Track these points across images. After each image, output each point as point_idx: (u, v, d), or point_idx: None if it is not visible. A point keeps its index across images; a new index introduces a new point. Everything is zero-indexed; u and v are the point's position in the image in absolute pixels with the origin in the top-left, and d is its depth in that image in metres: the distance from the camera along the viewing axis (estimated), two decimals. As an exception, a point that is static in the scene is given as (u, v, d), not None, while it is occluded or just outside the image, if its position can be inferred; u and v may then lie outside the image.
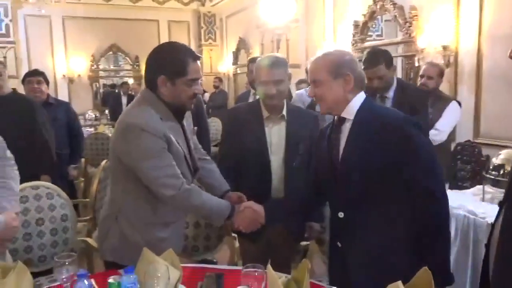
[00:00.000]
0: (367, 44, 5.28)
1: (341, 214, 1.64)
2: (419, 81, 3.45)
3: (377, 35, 5.63)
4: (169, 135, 1.69)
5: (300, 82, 5.27)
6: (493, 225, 1.34)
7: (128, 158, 1.68)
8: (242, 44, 8.89)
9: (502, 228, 1.24)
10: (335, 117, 1.69)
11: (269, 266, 1.37)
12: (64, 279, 1.43)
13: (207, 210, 1.78)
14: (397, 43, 4.96)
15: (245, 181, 2.08)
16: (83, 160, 4.44)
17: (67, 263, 1.44)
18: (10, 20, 8.81)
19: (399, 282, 1.21)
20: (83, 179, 4.45)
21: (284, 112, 2.12)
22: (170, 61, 1.68)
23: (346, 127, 1.63)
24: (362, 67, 2.62)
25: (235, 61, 9.31)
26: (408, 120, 1.59)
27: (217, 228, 2.43)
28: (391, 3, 4.85)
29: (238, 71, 9.22)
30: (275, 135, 2.11)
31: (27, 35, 9.18)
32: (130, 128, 1.65)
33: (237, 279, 1.41)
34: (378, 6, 5.06)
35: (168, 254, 1.55)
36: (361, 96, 1.64)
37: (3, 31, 8.66)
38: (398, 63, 5.06)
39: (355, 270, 1.61)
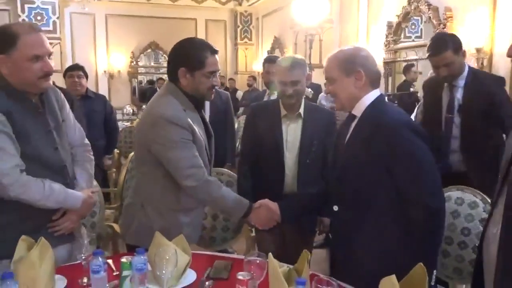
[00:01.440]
0: (399, 45, 5.23)
1: (335, 208, 1.68)
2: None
3: (416, 37, 5.55)
4: (193, 126, 1.80)
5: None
6: (485, 227, 1.35)
7: (156, 148, 1.79)
8: (277, 44, 8.96)
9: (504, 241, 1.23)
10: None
11: (270, 255, 1.43)
12: (83, 257, 1.55)
13: (225, 204, 1.88)
14: (430, 45, 4.87)
15: (259, 176, 2.16)
16: (117, 151, 4.65)
17: (86, 243, 1.56)
18: (57, 18, 9.27)
19: (393, 276, 1.25)
20: (115, 170, 4.65)
21: (301, 111, 2.18)
22: (190, 55, 1.79)
23: (354, 124, 1.66)
24: (427, 54, 2.54)
25: (270, 61, 9.38)
26: (408, 125, 1.57)
27: (237, 221, 2.51)
28: (425, 4, 4.78)
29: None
30: (292, 132, 2.18)
31: (72, 31, 9.64)
32: (158, 120, 1.76)
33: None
34: (412, 7, 5.00)
35: (179, 239, 1.65)
36: (373, 94, 1.63)
37: (50, 28, 9.12)
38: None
39: (339, 265, 1.67)
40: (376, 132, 1.55)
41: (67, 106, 1.90)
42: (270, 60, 3.66)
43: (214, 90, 1.88)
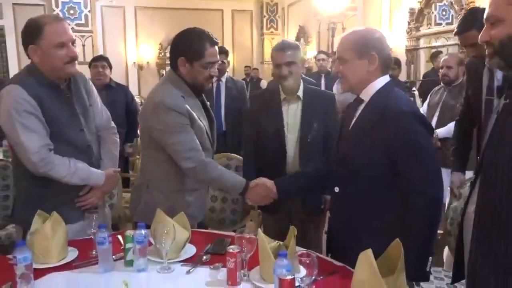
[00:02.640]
0: (421, 32, 5.15)
1: (336, 189, 1.71)
2: (440, 73, 3.37)
3: (447, 23, 5.44)
4: (191, 112, 1.91)
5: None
6: (465, 206, 1.40)
7: (156, 133, 1.93)
8: (302, 33, 8.95)
9: (477, 213, 1.29)
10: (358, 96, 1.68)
11: (259, 230, 1.53)
12: (93, 230, 1.69)
13: (223, 183, 2.00)
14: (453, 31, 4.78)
15: (262, 158, 2.26)
16: (139, 139, 4.84)
17: (95, 218, 1.71)
18: (89, 11, 9.60)
19: (369, 250, 1.32)
20: (138, 157, 4.85)
21: (300, 93, 2.26)
22: (189, 45, 1.90)
23: (361, 108, 1.65)
24: (455, 31, 2.39)
25: (295, 50, 9.38)
26: (414, 113, 1.56)
27: (243, 203, 2.62)
28: (448, -11, 4.70)
29: (298, 60, 9.29)
30: (292, 114, 2.27)
31: (103, 24, 9.96)
32: (158, 106, 1.89)
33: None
34: (434, -7, 4.92)
35: (180, 217, 1.77)
36: (383, 80, 1.62)
37: (82, 21, 9.47)
38: (455, 51, 4.89)
39: (336, 245, 1.74)
40: (382, 118, 1.54)
41: (95, 92, 2.08)
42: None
43: (212, 79, 1.98)
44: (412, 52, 5.40)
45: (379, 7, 6.09)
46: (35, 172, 1.77)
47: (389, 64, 1.66)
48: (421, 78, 5.27)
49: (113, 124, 2.17)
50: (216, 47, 1.93)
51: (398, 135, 1.51)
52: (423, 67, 5.54)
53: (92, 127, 2.01)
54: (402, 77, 5.12)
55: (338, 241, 1.75)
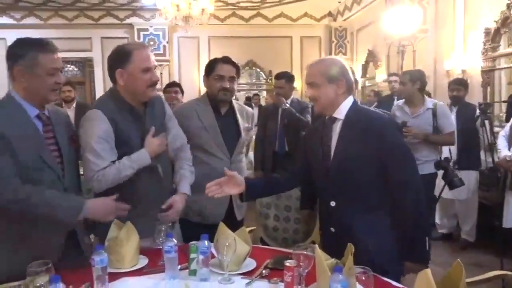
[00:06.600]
0: (499, 52, 4.90)
1: (332, 203, 1.87)
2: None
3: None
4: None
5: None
6: None
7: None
8: (371, 57, 8.87)
9: None
10: (327, 117, 1.92)
11: (316, 246, 1.56)
12: (161, 241, 1.82)
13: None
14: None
15: None
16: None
17: (163, 229, 1.83)
18: (167, 42, 10.32)
19: (428, 270, 1.30)
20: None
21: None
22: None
23: (337, 126, 1.88)
24: None
25: (364, 74, 9.31)
26: (392, 122, 1.87)
27: (304, 224, 2.65)
28: (526, 7, 4.45)
29: (367, 84, 9.20)
30: None
31: (179, 54, 10.62)
32: None
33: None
34: (511, 12, 4.68)
35: (241, 231, 1.85)
36: (350, 100, 1.89)
37: (161, 51, 10.18)
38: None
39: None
40: (366, 130, 1.80)
41: (172, 115, 2.23)
42: (278, 76, 4.20)
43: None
44: (488, 73, 5.13)
45: (452, 28, 5.89)
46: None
47: (352, 87, 1.91)
48: (504, 100, 4.94)
49: (188, 149, 2.27)
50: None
51: (384, 142, 1.78)
52: (504, 88, 5.21)
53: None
54: (478, 99, 4.86)
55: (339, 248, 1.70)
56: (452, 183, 3.45)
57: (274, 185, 2.18)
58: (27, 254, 1.62)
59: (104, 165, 1.90)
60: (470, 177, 4.30)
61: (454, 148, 4.25)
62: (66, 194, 1.82)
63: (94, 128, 1.91)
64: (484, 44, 5.12)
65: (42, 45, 1.76)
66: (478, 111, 3.92)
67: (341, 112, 1.87)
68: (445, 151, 3.97)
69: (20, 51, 1.74)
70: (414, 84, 3.63)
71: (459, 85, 4.42)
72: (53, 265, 1.44)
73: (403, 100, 3.81)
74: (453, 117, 4.35)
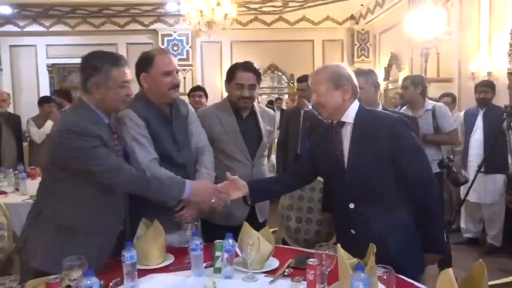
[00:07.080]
0: (525, 54, 4.81)
1: (351, 205, 1.90)
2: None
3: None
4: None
5: (443, 95, 5.09)
6: None
7: None
8: (394, 60, 8.79)
9: None
10: (334, 122, 1.96)
11: (338, 245, 1.59)
12: (187, 240, 1.88)
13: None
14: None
15: None
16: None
17: (189, 228, 1.89)
18: (190, 47, 10.47)
19: (450, 270, 1.31)
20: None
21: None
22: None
23: (347, 130, 1.92)
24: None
25: (387, 77, 9.23)
26: (401, 121, 1.89)
27: (326, 225, 2.67)
28: (554, 7, 4.36)
29: (390, 87, 9.11)
30: None
31: (202, 58, 10.76)
32: None
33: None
34: (539, 12, 4.59)
35: (264, 231, 1.89)
36: (356, 103, 1.93)
37: (184, 56, 10.34)
38: None
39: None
40: (378, 130, 1.85)
41: (195, 116, 2.35)
42: (300, 80, 4.10)
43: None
44: (515, 75, 5.04)
45: (477, 30, 5.80)
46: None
47: (357, 91, 1.95)
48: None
49: (208, 145, 2.36)
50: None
51: (396, 142, 1.83)
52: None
53: (190, 147, 2.24)
54: (504, 101, 4.78)
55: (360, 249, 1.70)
56: (456, 180, 3.49)
57: (277, 187, 2.24)
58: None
59: (153, 156, 2.03)
60: (497, 181, 4.24)
61: (480, 152, 4.20)
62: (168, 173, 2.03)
63: (132, 124, 2.04)
64: (510, 46, 5.04)
65: (115, 60, 1.85)
66: (504, 114, 3.87)
67: (349, 116, 1.91)
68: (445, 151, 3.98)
69: (95, 65, 1.82)
70: (416, 88, 3.74)
71: (487, 87, 4.37)
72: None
73: (406, 106, 3.94)
74: (479, 119, 4.31)
